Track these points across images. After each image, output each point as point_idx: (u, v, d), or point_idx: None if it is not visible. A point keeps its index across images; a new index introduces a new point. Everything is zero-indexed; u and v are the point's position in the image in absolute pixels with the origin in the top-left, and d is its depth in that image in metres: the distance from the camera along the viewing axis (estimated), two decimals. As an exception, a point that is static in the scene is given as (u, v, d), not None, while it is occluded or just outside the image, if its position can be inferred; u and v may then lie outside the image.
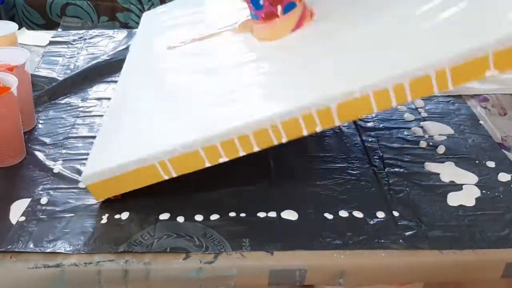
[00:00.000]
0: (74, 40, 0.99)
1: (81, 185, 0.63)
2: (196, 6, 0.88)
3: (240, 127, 0.54)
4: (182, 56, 0.73)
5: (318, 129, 0.54)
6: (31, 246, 0.55)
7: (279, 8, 0.67)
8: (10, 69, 0.67)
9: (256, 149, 0.56)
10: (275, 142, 0.55)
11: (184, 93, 0.65)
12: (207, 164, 0.57)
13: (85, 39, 0.99)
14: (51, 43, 0.98)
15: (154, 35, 0.84)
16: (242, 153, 0.56)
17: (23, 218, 0.58)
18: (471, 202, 0.61)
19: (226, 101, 0.60)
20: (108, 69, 0.88)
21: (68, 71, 0.88)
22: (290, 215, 0.59)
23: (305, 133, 0.54)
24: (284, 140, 0.55)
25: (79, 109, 0.78)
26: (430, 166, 0.67)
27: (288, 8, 0.67)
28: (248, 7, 0.69)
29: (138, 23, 1.72)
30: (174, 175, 0.57)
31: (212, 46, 0.73)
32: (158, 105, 0.64)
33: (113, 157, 0.58)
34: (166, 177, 0.58)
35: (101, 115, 0.76)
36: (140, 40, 0.86)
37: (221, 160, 0.56)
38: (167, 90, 0.67)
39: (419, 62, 0.50)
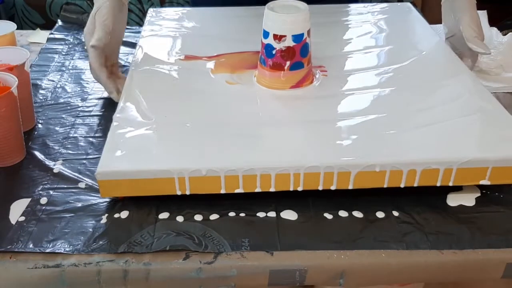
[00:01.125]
0: (71, 37, 0.99)
1: (81, 185, 0.63)
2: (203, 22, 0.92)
3: (266, 166, 0.58)
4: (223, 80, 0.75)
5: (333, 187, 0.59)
6: (31, 246, 0.55)
7: (288, 63, 0.70)
8: (10, 69, 0.67)
9: (272, 189, 0.59)
10: (291, 188, 0.59)
11: (221, 120, 0.66)
12: (223, 191, 0.58)
13: (82, 38, 0.99)
14: (49, 39, 0.98)
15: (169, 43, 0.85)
16: (258, 189, 0.58)
17: (22, 218, 0.58)
18: (471, 202, 0.61)
19: (258, 139, 0.63)
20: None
21: (63, 68, 0.88)
22: (290, 215, 0.59)
23: (320, 187, 0.59)
24: (299, 189, 0.59)
25: (79, 109, 0.78)
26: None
27: (295, 66, 0.70)
28: (260, 51, 0.72)
29: (138, 23, 1.73)
30: (188, 193, 0.59)
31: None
32: (190, 123, 0.65)
33: (135, 160, 0.59)
34: (179, 193, 0.58)
35: (101, 115, 0.76)
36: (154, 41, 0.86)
37: (237, 191, 0.58)
38: (209, 113, 0.68)
39: (433, 156, 0.59)
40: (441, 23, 0.87)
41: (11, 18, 1.78)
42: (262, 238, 0.56)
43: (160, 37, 0.87)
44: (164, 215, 0.59)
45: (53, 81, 0.85)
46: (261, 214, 0.59)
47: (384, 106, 0.68)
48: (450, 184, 0.60)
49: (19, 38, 0.98)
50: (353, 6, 0.98)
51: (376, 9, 0.97)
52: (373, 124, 0.64)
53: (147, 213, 0.59)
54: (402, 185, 0.59)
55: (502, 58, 0.90)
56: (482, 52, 0.77)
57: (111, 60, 0.78)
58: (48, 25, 1.67)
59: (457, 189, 0.63)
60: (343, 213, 0.60)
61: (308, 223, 0.58)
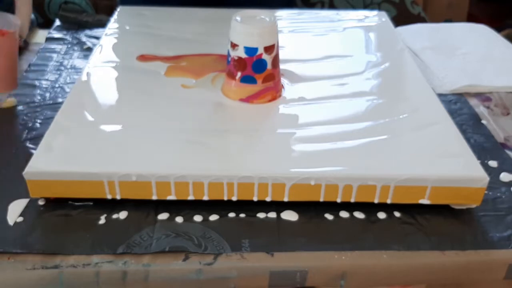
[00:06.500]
0: (70, 36, 0.98)
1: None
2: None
3: (198, 174, 0.56)
4: (173, 84, 0.73)
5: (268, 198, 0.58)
6: (29, 247, 0.54)
7: (239, 74, 0.68)
8: (2, 34, 0.70)
9: (206, 198, 0.58)
10: (225, 198, 0.58)
11: (161, 123, 0.64)
12: (154, 197, 0.58)
13: (80, 38, 0.98)
14: (48, 39, 0.98)
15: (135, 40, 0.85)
16: (191, 197, 0.57)
17: (21, 219, 0.58)
18: (473, 203, 0.61)
19: (196, 146, 0.61)
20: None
21: (62, 68, 0.88)
22: (290, 215, 0.59)
23: (255, 198, 0.58)
24: (234, 199, 0.58)
25: (78, 109, 0.77)
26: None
27: (246, 79, 0.68)
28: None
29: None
30: (118, 197, 0.58)
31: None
32: (132, 126, 0.63)
33: (66, 162, 0.58)
34: (109, 197, 0.58)
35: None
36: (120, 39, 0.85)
37: (169, 198, 0.58)
38: (149, 115, 0.66)
39: (370, 172, 0.57)
40: (442, 22, 0.86)
41: (9, 17, 1.78)
42: (263, 239, 0.56)
43: (124, 35, 0.86)
44: (163, 216, 0.58)
45: (51, 80, 0.84)
46: (261, 215, 0.59)
47: (329, 118, 0.66)
48: (388, 201, 0.58)
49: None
50: (324, 13, 0.97)
51: (349, 17, 0.95)
52: (314, 136, 0.62)
53: (146, 214, 0.59)
54: (338, 200, 0.58)
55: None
56: None
57: None
58: (46, 24, 1.67)
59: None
60: (344, 214, 0.59)
61: (309, 224, 0.58)
